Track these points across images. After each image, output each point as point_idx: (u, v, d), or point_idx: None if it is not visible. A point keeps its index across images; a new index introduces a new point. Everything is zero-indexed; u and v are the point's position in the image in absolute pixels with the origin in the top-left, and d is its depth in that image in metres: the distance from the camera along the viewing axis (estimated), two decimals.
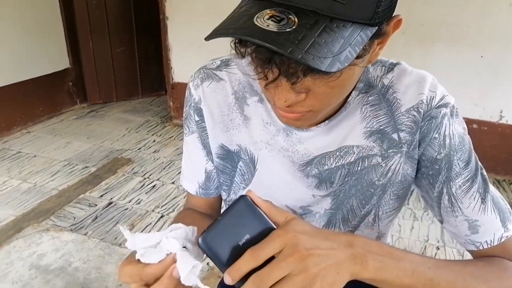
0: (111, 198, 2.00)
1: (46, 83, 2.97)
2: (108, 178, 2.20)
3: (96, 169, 2.29)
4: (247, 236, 0.42)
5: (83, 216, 1.87)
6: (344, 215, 0.64)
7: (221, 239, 0.41)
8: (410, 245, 1.66)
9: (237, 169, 0.67)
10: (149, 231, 1.75)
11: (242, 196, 0.43)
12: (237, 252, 0.41)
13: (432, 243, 1.68)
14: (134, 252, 0.45)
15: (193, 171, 0.72)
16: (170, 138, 2.72)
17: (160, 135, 2.77)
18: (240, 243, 0.41)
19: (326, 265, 0.40)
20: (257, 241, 0.41)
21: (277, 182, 0.65)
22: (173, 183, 2.16)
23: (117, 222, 1.81)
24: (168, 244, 0.44)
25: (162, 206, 1.94)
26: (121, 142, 2.65)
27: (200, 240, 0.42)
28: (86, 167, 2.32)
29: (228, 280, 0.40)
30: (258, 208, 0.43)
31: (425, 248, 1.64)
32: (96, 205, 1.95)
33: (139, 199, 2.00)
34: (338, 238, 0.43)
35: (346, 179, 0.61)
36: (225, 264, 0.41)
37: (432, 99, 0.56)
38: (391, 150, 0.58)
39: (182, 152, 0.75)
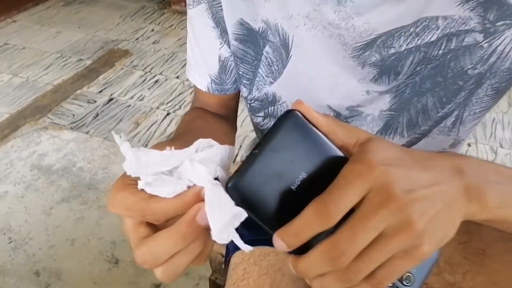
0: (111, 94, 1.84)
1: None
2: (106, 72, 2.01)
3: (92, 62, 2.09)
4: (302, 176, 0.28)
5: (83, 113, 1.73)
6: (411, 118, 0.48)
7: (263, 184, 0.27)
8: None
9: (262, 57, 0.49)
10: (155, 131, 1.63)
11: (288, 112, 0.29)
12: (290, 203, 0.27)
13: None
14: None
15: (203, 59, 0.54)
16: (170, 26, 2.44)
17: (159, 23, 2.48)
18: (293, 187, 0.27)
19: (435, 212, 0.25)
20: (320, 183, 0.27)
21: (318, 74, 0.47)
22: (177, 77, 1.97)
23: (120, 120, 1.68)
24: (192, 171, 0.29)
25: (167, 103, 1.79)
26: (116, 31, 2.39)
27: (231, 186, 0.27)
28: (81, 59, 2.11)
29: (281, 247, 0.27)
30: (315, 129, 0.29)
31: None
32: (96, 101, 1.80)
33: (141, 95, 1.84)
34: (440, 163, 0.28)
35: (419, 67, 0.43)
36: (272, 223, 0.27)
37: None
38: (501, 23, 0.39)
39: (185, 43, 0.56)
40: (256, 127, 0.63)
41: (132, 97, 1.83)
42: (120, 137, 0.29)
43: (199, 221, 0.28)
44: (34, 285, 1.09)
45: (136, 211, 0.29)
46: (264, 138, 0.28)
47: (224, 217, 0.27)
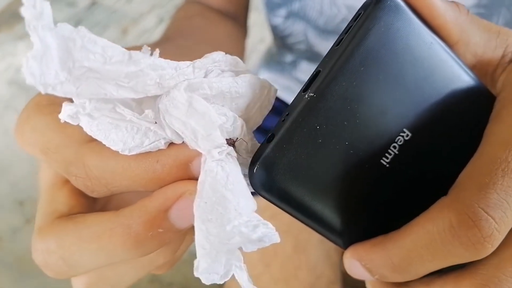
0: None
1: None
2: None
3: None
4: (404, 137, 0.15)
5: (63, 19, 1.50)
6: None
7: (326, 160, 0.14)
8: None
9: None
10: (148, 41, 1.42)
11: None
12: (380, 193, 0.15)
13: None
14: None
15: None
16: None
17: None
18: (386, 160, 0.15)
19: None
20: (441, 153, 0.15)
21: None
22: None
23: (106, 28, 1.47)
24: (186, 114, 0.15)
25: (161, 7, 1.54)
26: None
27: (260, 167, 0.14)
28: None
29: (363, 275, 0.16)
30: (431, 31, 0.15)
31: None
32: (76, 5, 1.57)
33: None
34: None
35: None
36: (342, 231, 0.16)
37: None
38: None
39: None
40: (275, 32, 0.45)
41: (118, 0, 1.58)
42: None
43: (173, 221, 0.15)
44: (18, 215, 1.00)
45: (58, 161, 0.16)
46: (328, 59, 0.14)
47: (232, 232, 0.13)
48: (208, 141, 0.14)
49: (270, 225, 0.14)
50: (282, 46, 0.47)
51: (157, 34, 1.44)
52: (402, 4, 0.15)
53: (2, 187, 1.06)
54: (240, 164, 0.15)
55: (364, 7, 0.15)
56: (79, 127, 0.15)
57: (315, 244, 0.41)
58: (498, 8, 0.34)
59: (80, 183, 0.16)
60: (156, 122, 0.15)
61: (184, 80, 0.15)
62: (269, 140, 0.15)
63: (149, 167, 0.15)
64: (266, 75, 0.53)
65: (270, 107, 0.17)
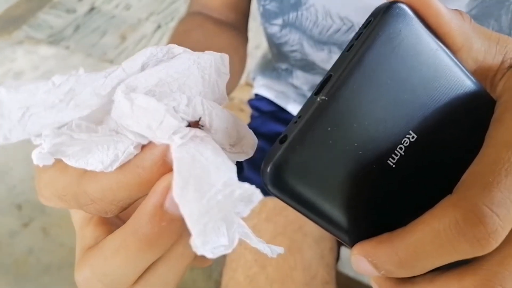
0: (93, 2, 1.60)
1: None
2: None
3: None
4: (410, 139, 0.16)
5: (62, 25, 1.52)
6: (502, 29, 0.34)
7: (335, 161, 0.15)
8: None
9: None
10: (145, 47, 1.43)
11: (389, 7, 0.16)
12: (385, 193, 0.16)
13: None
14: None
15: None
16: None
17: None
18: (392, 161, 0.16)
19: None
20: (445, 155, 0.16)
21: None
22: None
23: (104, 33, 1.47)
24: (135, 113, 0.15)
25: (158, 13, 1.56)
26: None
27: (273, 168, 0.15)
28: None
29: (368, 271, 0.16)
30: (437, 39, 0.16)
31: None
32: (75, 11, 1.57)
33: (128, 3, 1.60)
34: None
35: None
36: (349, 228, 0.16)
37: None
38: None
39: None
40: (271, 40, 0.46)
41: (117, 6, 1.59)
42: None
43: (172, 212, 0.15)
44: (16, 219, 1.00)
45: (71, 200, 0.17)
46: (339, 63, 0.15)
47: (209, 204, 0.13)
48: (163, 129, 0.14)
49: (247, 184, 0.14)
50: (278, 53, 0.48)
51: (154, 40, 1.45)
52: (410, 12, 0.16)
53: (0, 191, 1.06)
54: (215, 139, 0.16)
55: (374, 14, 0.16)
56: (73, 174, 0.17)
57: (309, 245, 0.41)
58: (487, 19, 0.35)
59: (91, 209, 0.17)
60: (118, 133, 0.15)
61: (118, 83, 0.15)
62: (281, 141, 0.15)
63: (134, 174, 0.15)
64: (262, 81, 0.55)
65: (228, 73, 0.17)
